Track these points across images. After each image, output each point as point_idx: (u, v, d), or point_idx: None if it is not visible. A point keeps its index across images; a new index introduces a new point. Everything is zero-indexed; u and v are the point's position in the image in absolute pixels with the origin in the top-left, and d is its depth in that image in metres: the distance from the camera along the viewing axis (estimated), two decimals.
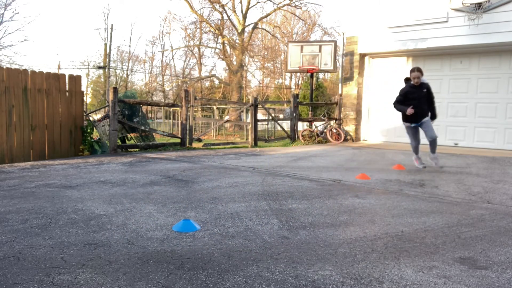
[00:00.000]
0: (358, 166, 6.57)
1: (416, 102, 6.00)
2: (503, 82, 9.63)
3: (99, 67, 33.51)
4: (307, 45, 12.56)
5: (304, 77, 31.03)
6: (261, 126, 18.57)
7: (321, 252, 2.60)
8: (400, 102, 6.15)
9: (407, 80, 6.17)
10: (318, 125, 12.12)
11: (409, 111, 5.92)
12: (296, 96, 12.18)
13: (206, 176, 5.34)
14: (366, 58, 11.65)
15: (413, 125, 6.22)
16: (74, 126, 7.86)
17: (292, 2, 28.68)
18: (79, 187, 4.51)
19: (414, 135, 6.30)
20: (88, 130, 8.09)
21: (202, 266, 2.33)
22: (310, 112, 13.75)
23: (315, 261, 2.43)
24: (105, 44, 34.86)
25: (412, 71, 6.04)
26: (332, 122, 11.95)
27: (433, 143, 6.17)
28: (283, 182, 5.00)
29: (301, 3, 29.01)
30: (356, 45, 11.39)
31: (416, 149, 6.45)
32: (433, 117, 6.22)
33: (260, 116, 19.35)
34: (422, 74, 6.01)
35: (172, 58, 52.49)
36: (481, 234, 3.04)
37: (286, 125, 14.51)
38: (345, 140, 11.55)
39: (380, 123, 11.56)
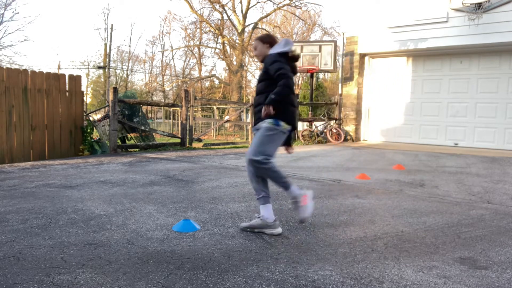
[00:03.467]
0: (358, 166, 6.57)
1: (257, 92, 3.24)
2: (503, 82, 9.63)
3: (99, 67, 33.51)
4: (307, 45, 12.55)
5: (304, 77, 31.03)
6: None
7: (321, 252, 2.60)
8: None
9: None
10: (318, 125, 12.12)
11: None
12: (296, 96, 12.17)
13: (206, 176, 5.34)
14: (366, 58, 11.64)
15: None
16: (74, 126, 7.86)
17: (292, 2, 28.66)
18: (79, 187, 4.51)
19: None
20: (88, 130, 8.09)
21: (202, 266, 2.32)
22: (310, 112, 13.75)
23: (315, 261, 2.43)
24: (105, 44, 34.88)
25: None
26: (332, 122, 11.95)
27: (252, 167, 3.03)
28: None
29: (301, 3, 28.99)
30: (356, 45, 11.39)
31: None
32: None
33: None
34: (264, 42, 3.22)
35: (172, 58, 52.46)
36: (481, 234, 3.03)
37: None
38: (345, 140, 11.55)
39: (380, 123, 11.56)
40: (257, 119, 3.09)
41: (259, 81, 3.14)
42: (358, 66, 11.47)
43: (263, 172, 2.97)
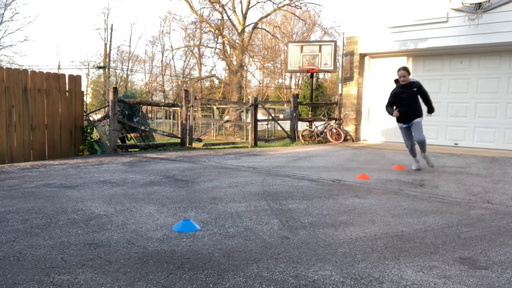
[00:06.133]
0: (358, 166, 6.57)
1: (406, 102, 6.00)
2: (503, 82, 9.63)
3: (99, 67, 33.51)
4: (307, 45, 12.56)
5: (304, 77, 31.04)
6: (261, 126, 18.56)
7: (321, 252, 2.60)
8: (391, 104, 6.16)
9: (396, 81, 6.17)
10: (318, 125, 12.12)
11: (395, 113, 6.00)
12: (296, 96, 12.18)
13: (206, 176, 5.34)
14: (366, 58, 11.64)
15: (404, 125, 6.18)
16: (74, 126, 7.86)
17: (292, 2, 28.67)
18: (79, 187, 4.51)
19: (406, 135, 6.22)
20: (88, 130, 8.09)
21: (202, 266, 2.33)
22: (310, 112, 13.76)
23: (315, 261, 2.43)
24: (105, 44, 34.89)
25: (398, 70, 6.05)
26: (332, 122, 11.95)
27: (420, 144, 6.07)
28: (283, 182, 5.00)
29: (301, 3, 28.99)
30: (356, 45, 11.39)
31: (412, 151, 6.32)
32: (430, 110, 6.15)
33: (260, 116, 19.35)
34: (408, 73, 5.99)
35: (172, 58, 52.46)
36: (481, 234, 3.04)
37: (286, 125, 14.51)
38: (345, 140, 11.55)
39: (380, 123, 11.56)
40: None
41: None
42: (358, 66, 11.47)
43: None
